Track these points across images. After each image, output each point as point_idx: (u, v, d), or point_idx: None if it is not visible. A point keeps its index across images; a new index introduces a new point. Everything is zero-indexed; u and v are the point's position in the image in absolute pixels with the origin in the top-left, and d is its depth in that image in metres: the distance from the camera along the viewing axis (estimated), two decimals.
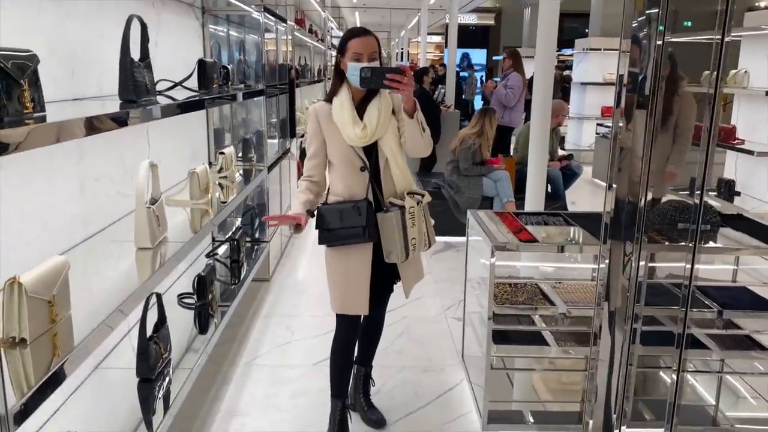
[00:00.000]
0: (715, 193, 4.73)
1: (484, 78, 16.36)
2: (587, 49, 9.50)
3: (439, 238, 2.87)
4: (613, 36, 9.24)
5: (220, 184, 3.24)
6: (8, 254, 1.70)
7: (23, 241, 1.84)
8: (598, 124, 8.60)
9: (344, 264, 2.30)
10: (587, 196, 7.26)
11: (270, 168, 4.30)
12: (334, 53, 2.89)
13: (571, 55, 11.32)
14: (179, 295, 2.91)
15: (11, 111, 1.32)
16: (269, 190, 4.31)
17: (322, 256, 2.38)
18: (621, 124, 1.35)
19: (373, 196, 2.26)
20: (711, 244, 2.57)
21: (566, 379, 2.98)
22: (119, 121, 1.74)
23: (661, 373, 2.75)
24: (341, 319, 2.39)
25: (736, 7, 1.30)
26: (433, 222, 2.42)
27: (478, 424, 2.61)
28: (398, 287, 2.43)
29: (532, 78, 4.55)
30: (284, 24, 5.20)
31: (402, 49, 23.28)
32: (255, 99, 4.09)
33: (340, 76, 2.26)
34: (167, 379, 2.23)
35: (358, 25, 18.71)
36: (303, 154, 5.50)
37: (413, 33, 21.11)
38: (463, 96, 13.38)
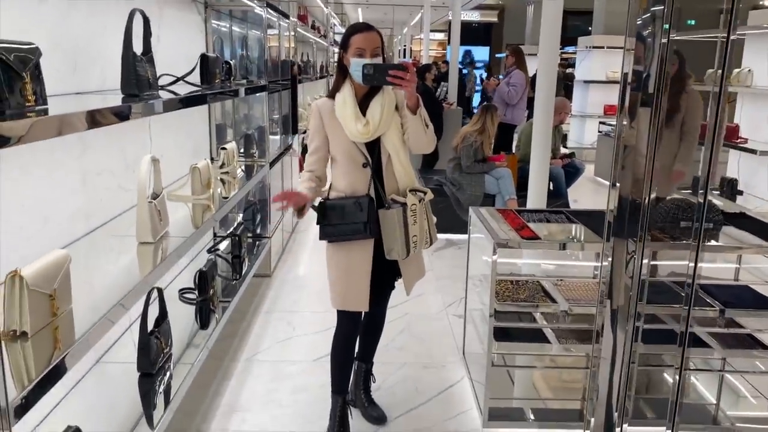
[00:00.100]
0: (717, 192, 4.73)
1: (483, 76, 16.31)
2: (590, 47, 9.47)
3: (440, 235, 2.87)
4: (616, 34, 9.20)
5: (221, 180, 3.25)
6: (9, 247, 1.70)
7: (24, 234, 1.84)
8: (600, 123, 8.59)
9: (345, 260, 2.29)
10: (589, 194, 7.25)
11: (272, 164, 4.30)
12: (336, 50, 2.88)
13: (574, 53, 11.30)
14: (180, 290, 2.91)
15: (13, 104, 1.32)
16: (271, 186, 4.30)
17: (323, 252, 2.37)
18: (625, 122, 1.34)
19: (375, 192, 2.25)
20: (713, 242, 2.56)
21: (567, 377, 2.98)
22: (121, 115, 1.74)
23: (663, 372, 2.74)
24: (342, 315, 2.39)
25: (740, 5, 1.29)
26: (435, 220, 2.41)
27: (479, 421, 2.61)
28: (399, 284, 2.42)
29: (535, 75, 4.54)
30: (287, 20, 5.19)
31: (404, 46, 23.24)
32: (257, 95, 4.09)
33: (343, 72, 2.25)
34: (168, 373, 2.23)
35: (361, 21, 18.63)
36: (305, 150, 5.50)
37: (416, 30, 21.06)
38: (465, 93, 13.36)
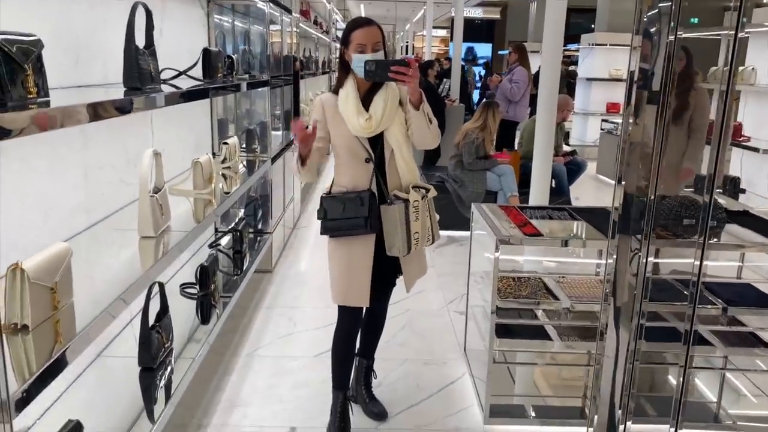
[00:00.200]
0: (720, 190, 4.71)
1: (482, 73, 16.26)
2: (593, 45, 9.44)
3: (442, 232, 2.86)
4: (619, 31, 9.17)
5: (223, 175, 3.24)
6: (10, 241, 1.70)
7: (25, 227, 1.84)
8: (603, 120, 8.56)
9: (346, 255, 2.29)
10: (591, 191, 7.24)
11: (274, 159, 4.29)
12: (338, 45, 2.86)
13: (577, 51, 11.26)
14: (182, 284, 2.91)
15: (15, 96, 1.32)
16: (273, 182, 4.30)
17: (324, 248, 2.37)
18: (631, 120, 1.33)
19: (377, 187, 2.24)
20: (716, 240, 2.55)
21: (568, 374, 2.97)
22: (123, 108, 1.73)
23: (666, 370, 2.73)
24: (343, 310, 2.39)
25: (747, 3, 1.28)
26: (438, 217, 2.41)
27: (480, 418, 2.60)
28: (401, 281, 2.42)
29: (537, 72, 4.53)
30: (289, 15, 5.17)
31: (407, 42, 23.19)
32: (259, 90, 4.08)
33: (345, 68, 2.24)
34: (169, 368, 2.23)
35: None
36: None
37: (418, 26, 21.01)
38: (467, 90, 13.33)
